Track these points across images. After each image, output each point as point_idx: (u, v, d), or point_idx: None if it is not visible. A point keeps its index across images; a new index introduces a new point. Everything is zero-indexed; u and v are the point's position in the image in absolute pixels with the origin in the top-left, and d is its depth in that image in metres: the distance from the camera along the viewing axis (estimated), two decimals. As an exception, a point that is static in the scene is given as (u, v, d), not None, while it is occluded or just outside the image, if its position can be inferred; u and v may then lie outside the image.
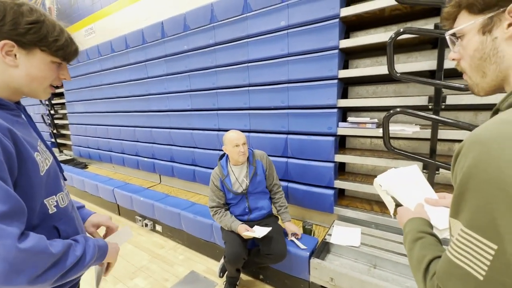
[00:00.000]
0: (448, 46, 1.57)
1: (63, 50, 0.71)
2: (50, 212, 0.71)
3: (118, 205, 3.48)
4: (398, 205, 0.78)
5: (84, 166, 4.99)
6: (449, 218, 0.46)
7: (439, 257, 0.50)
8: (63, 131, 5.84)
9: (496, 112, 0.50)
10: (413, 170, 0.81)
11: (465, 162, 0.41)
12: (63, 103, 5.44)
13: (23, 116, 0.74)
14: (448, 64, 1.63)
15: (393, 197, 0.80)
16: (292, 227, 1.99)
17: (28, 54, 0.66)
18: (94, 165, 5.06)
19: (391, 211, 0.83)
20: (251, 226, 1.90)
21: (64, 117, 5.66)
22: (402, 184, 0.78)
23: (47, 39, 0.67)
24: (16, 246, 0.52)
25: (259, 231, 1.75)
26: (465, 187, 0.41)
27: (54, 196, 0.73)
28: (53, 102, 5.66)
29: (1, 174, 0.55)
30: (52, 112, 5.66)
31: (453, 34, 0.55)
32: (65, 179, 0.85)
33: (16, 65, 0.66)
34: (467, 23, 0.51)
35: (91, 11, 4.33)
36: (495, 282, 0.37)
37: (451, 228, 0.47)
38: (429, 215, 0.66)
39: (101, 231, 0.98)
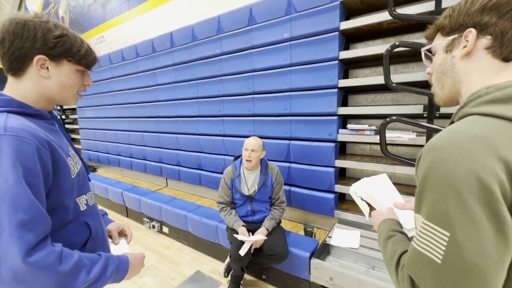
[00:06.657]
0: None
1: (85, 59, 0.79)
2: (81, 209, 0.82)
3: (126, 207, 3.61)
4: (372, 209, 0.88)
5: (93, 170, 5.15)
6: (414, 214, 0.54)
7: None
8: (73, 136, 6.03)
9: (452, 123, 0.59)
10: (383, 178, 0.92)
11: (423, 165, 0.49)
12: (74, 109, 5.64)
13: (56, 124, 0.83)
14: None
15: (367, 202, 0.91)
16: (257, 237, 1.86)
17: (57, 66, 0.74)
18: (102, 168, 5.22)
19: (366, 214, 0.94)
20: (254, 228, 2.00)
21: (74, 122, 5.86)
22: (375, 191, 0.88)
23: (72, 50, 0.75)
24: (22, 257, 0.54)
25: (254, 238, 1.84)
26: (424, 186, 0.48)
27: (84, 195, 0.84)
28: (64, 107, 5.86)
29: (33, 180, 0.60)
30: (64, 117, 5.86)
31: (429, 51, 0.66)
32: (89, 180, 0.94)
33: (49, 77, 0.73)
34: (437, 42, 0.62)
35: (103, 20, 4.53)
36: (450, 264, 0.43)
37: (416, 222, 0.53)
38: (398, 216, 0.75)
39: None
